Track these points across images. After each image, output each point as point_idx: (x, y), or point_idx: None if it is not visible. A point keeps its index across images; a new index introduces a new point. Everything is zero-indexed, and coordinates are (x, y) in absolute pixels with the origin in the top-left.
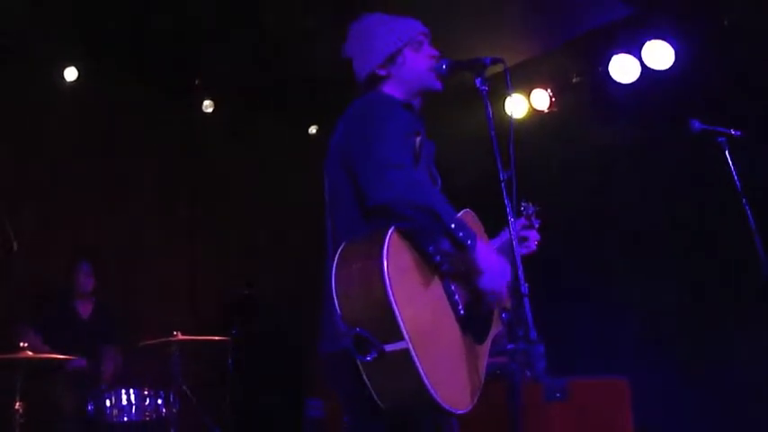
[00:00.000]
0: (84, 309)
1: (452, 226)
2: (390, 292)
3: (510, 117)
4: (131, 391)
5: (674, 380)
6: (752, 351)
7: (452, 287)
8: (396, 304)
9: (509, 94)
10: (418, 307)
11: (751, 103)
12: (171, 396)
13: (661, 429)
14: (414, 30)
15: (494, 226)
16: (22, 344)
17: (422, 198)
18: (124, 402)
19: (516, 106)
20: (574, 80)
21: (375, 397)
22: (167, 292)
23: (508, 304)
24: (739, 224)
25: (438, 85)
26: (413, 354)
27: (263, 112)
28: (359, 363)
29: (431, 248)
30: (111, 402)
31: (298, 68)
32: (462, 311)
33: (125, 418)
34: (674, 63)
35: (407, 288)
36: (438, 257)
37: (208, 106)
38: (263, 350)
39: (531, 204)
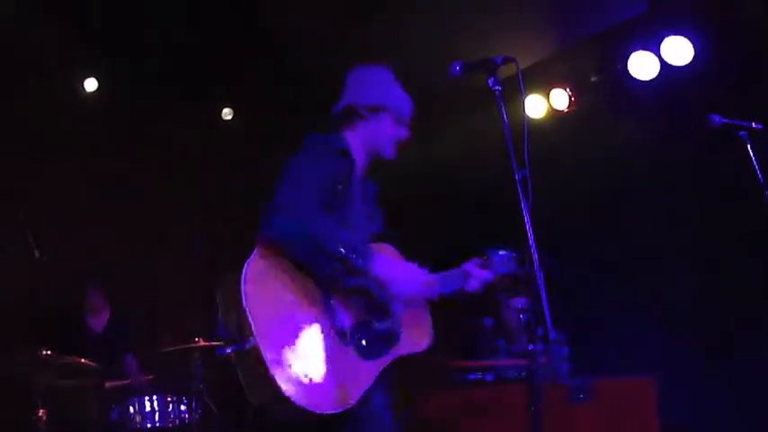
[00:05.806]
0: (98, 322)
1: (341, 251)
2: (247, 310)
3: (523, 116)
4: (155, 397)
5: (700, 378)
6: None
7: (335, 305)
8: (252, 317)
9: (523, 94)
10: (278, 322)
11: None
12: (193, 402)
13: (688, 429)
14: (407, 108)
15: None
16: (44, 351)
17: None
18: (147, 409)
19: (536, 106)
20: (593, 78)
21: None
22: (189, 298)
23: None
24: (763, 219)
25: (391, 153)
26: (262, 353)
27: (281, 118)
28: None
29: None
30: (134, 409)
31: (316, 74)
32: (342, 326)
33: (148, 425)
34: (694, 58)
35: (266, 307)
36: (335, 274)
37: (227, 114)
38: None
39: (511, 252)
